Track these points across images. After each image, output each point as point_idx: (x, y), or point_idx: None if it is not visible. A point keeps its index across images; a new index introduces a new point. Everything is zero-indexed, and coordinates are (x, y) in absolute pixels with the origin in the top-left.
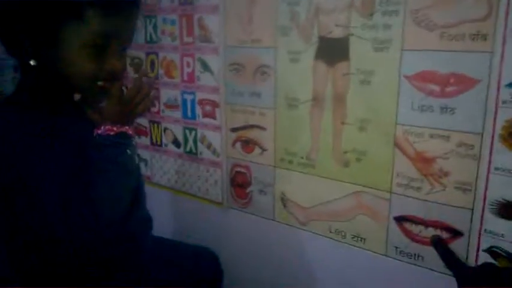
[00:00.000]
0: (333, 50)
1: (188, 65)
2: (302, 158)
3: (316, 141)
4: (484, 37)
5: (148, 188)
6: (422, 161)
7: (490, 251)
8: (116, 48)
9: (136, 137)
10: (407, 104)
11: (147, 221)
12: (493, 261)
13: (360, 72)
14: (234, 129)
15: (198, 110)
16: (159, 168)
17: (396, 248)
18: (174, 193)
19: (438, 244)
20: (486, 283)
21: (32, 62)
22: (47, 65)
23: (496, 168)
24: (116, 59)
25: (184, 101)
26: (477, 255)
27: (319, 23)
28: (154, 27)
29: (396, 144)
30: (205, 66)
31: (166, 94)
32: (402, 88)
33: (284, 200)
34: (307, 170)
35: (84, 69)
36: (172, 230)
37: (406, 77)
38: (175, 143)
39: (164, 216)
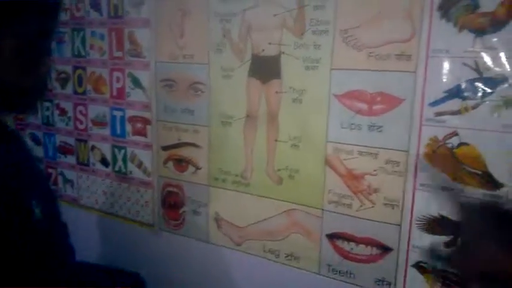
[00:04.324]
0: (265, 68)
1: (118, 80)
2: (236, 176)
3: (250, 159)
4: (408, 57)
5: (74, 210)
6: (352, 178)
7: (418, 265)
8: (41, 53)
9: (62, 156)
10: (337, 122)
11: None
12: (420, 276)
13: (292, 90)
14: (165, 148)
15: (128, 128)
16: (86, 189)
17: (329, 266)
18: (102, 215)
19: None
20: None
21: None
22: None
23: (422, 185)
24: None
25: (114, 118)
26: (406, 270)
27: (252, 40)
28: (82, 40)
29: (327, 162)
30: (136, 82)
31: (94, 110)
32: (332, 106)
33: (218, 220)
34: (242, 188)
35: (11, 75)
36: (100, 255)
37: (336, 95)
38: (104, 162)
39: (92, 240)
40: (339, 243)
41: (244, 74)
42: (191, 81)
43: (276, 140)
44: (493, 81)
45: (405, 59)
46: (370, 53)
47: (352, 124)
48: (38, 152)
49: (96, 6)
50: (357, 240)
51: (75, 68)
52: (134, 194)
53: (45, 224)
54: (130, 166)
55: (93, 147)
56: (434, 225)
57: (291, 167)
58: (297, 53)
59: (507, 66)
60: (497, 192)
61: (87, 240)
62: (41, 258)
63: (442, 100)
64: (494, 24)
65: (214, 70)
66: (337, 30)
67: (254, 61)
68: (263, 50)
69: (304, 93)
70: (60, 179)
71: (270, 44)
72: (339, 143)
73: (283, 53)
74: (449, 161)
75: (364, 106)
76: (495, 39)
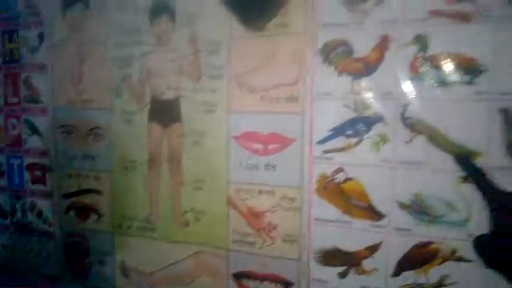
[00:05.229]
0: (166, 111)
1: (14, 127)
2: (141, 221)
3: (155, 203)
4: (296, 99)
5: None
6: (254, 216)
7: None
8: None
9: None
10: (236, 162)
11: None
12: None
13: (193, 133)
14: (66, 195)
15: (27, 176)
16: None
17: None
18: (1, 270)
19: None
20: None
21: None
22: None
23: (316, 219)
24: None
25: (11, 167)
26: None
27: (151, 84)
28: None
29: (229, 202)
30: (33, 128)
31: None
32: (231, 148)
33: (125, 269)
34: (148, 233)
35: None
36: None
37: (234, 137)
38: (2, 213)
39: None
40: (245, 282)
41: (144, 117)
42: (91, 126)
43: (180, 183)
44: (370, 120)
45: (293, 101)
46: (263, 95)
47: (250, 164)
48: None
49: None
50: (261, 278)
51: None
52: (35, 246)
53: None
54: (31, 216)
55: None
56: (329, 257)
57: (197, 208)
58: (196, 97)
59: (381, 106)
60: (380, 222)
61: None
62: None
63: (327, 138)
64: (367, 68)
65: (114, 114)
66: (231, 74)
67: (154, 105)
68: (162, 94)
69: (204, 135)
70: None
71: (168, 88)
72: (239, 183)
73: (182, 96)
74: (338, 196)
75: (260, 146)
76: (369, 82)
